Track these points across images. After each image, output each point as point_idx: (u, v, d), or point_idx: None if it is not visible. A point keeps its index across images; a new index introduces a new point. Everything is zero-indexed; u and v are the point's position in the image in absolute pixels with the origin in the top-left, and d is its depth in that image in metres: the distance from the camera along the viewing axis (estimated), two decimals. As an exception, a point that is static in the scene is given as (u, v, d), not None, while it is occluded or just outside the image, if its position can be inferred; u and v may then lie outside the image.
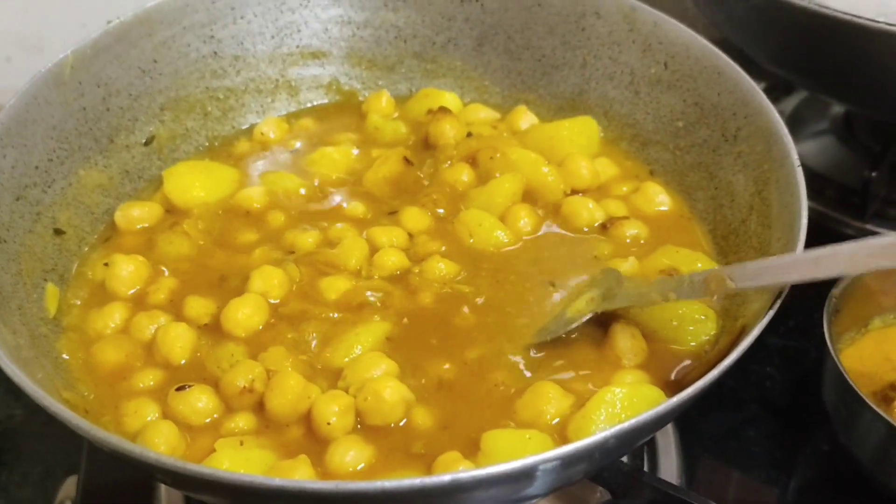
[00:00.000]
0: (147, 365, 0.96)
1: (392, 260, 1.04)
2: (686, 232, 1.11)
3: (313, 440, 0.89)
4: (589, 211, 1.10)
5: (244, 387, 0.91)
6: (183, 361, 0.96)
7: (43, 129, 1.07)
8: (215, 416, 0.91)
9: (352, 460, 0.86)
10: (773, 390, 1.21)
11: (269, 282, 1.01)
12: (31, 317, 0.97)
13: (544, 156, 1.14)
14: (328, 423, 0.88)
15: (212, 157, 1.23)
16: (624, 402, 0.87)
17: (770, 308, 0.84)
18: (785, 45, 1.31)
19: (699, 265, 1.02)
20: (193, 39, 1.22)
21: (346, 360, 0.94)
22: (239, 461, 0.85)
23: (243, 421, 0.90)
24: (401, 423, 0.90)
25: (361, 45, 1.31)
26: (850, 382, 1.00)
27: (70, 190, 1.10)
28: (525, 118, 1.23)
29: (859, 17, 1.14)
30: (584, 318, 0.96)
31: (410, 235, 1.08)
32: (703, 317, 0.97)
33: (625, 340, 0.95)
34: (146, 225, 1.12)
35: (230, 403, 0.92)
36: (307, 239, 1.07)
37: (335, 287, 1.01)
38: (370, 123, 1.25)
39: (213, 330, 0.99)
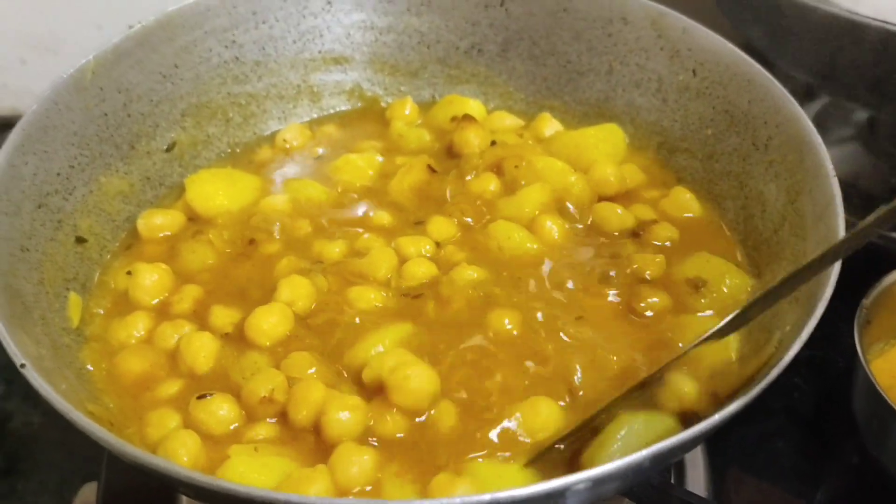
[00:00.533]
0: (171, 375, 0.96)
1: (422, 270, 1.03)
2: (717, 238, 1.10)
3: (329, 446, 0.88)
4: (619, 216, 1.09)
5: (264, 396, 0.90)
6: (207, 370, 0.95)
7: (64, 136, 1.06)
8: (237, 424, 0.90)
9: (358, 473, 0.85)
10: (800, 401, 1.19)
11: (297, 291, 1.00)
12: (54, 327, 0.96)
13: (570, 163, 1.13)
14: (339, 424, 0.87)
15: (234, 164, 1.23)
16: (640, 432, 0.86)
17: (810, 318, 0.83)
18: (811, 49, 1.29)
19: (727, 281, 1.01)
20: (215, 44, 1.21)
21: (371, 353, 0.93)
22: (254, 468, 0.84)
23: (264, 430, 0.89)
24: (423, 417, 0.89)
25: (384, 50, 1.30)
26: (883, 394, 0.99)
27: (91, 197, 1.09)
28: (549, 125, 1.22)
29: (888, 21, 1.13)
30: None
31: (437, 244, 1.07)
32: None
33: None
34: (169, 233, 1.11)
35: (251, 412, 0.91)
36: (334, 248, 1.06)
37: (364, 297, 1.00)
38: (394, 130, 1.24)
39: (238, 340, 0.98)
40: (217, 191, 1.14)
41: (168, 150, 1.18)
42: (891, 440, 1.02)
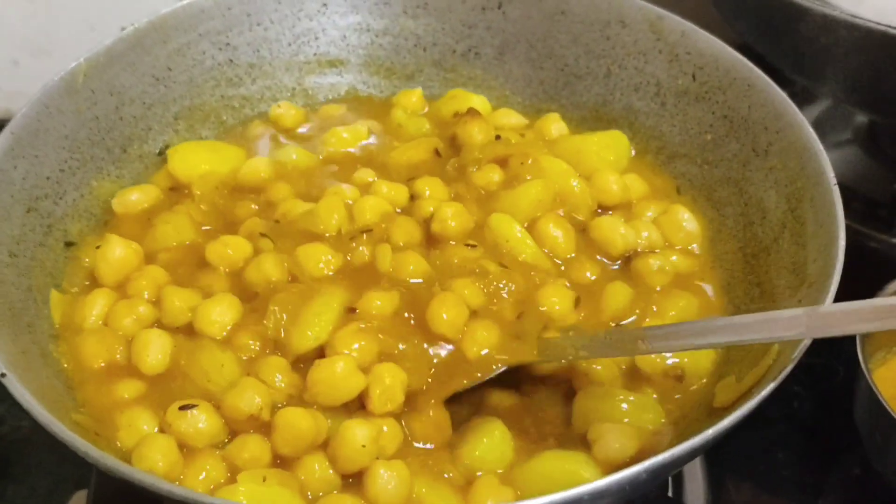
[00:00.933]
0: (130, 365, 0.93)
1: (371, 206, 1.02)
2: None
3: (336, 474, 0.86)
4: (622, 237, 1.05)
5: (251, 415, 0.87)
6: (162, 370, 0.93)
7: (55, 139, 1.05)
8: (222, 439, 0.88)
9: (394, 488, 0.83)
10: (800, 410, 1.18)
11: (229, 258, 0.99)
12: (42, 334, 0.95)
13: (571, 168, 1.11)
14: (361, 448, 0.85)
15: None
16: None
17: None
18: (809, 53, 1.28)
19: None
20: (209, 47, 1.20)
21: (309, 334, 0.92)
22: (261, 500, 0.82)
23: (252, 447, 0.87)
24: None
25: (380, 53, 1.29)
26: (887, 407, 0.97)
27: (82, 201, 1.08)
28: (556, 126, 1.20)
29: (889, 25, 1.12)
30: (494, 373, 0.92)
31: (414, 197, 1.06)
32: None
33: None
34: (145, 206, 1.09)
35: (234, 427, 0.88)
36: (297, 208, 1.04)
37: (312, 255, 0.98)
38: (394, 118, 1.22)
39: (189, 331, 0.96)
40: (200, 159, 1.13)
41: (160, 153, 1.17)
42: (893, 452, 1.00)
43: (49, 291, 0.99)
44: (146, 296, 0.98)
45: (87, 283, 1.02)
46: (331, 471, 0.86)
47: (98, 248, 1.02)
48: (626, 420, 0.90)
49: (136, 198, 1.10)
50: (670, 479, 1.07)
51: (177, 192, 1.11)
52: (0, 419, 1.20)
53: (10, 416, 1.21)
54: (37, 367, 0.89)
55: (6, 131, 0.99)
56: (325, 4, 1.26)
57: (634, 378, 0.96)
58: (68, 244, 1.05)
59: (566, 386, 0.95)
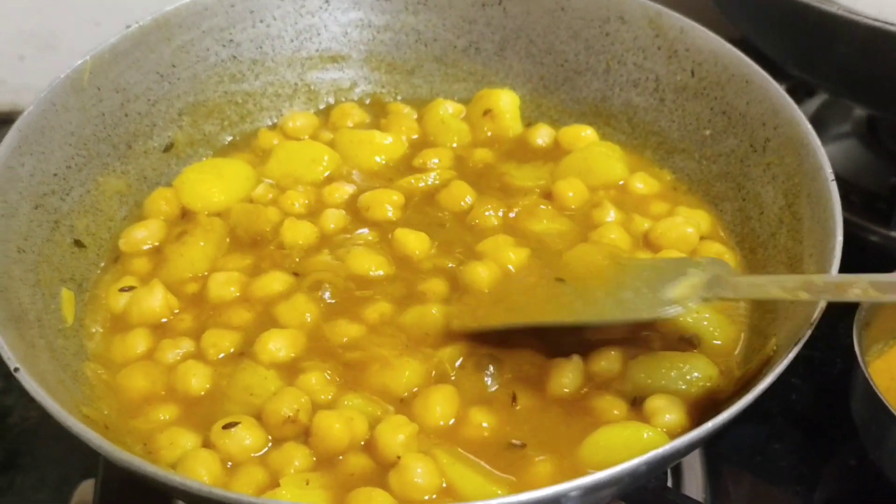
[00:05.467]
0: (170, 394, 0.95)
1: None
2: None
3: (377, 466, 0.87)
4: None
5: (288, 416, 0.88)
6: (203, 393, 0.94)
7: (61, 136, 1.06)
8: (263, 451, 0.89)
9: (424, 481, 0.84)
10: (798, 402, 1.19)
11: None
12: (50, 329, 0.96)
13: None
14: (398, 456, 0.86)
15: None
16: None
17: (808, 327, 0.83)
18: (808, 49, 1.29)
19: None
20: (212, 43, 1.21)
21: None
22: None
23: (293, 453, 0.88)
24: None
25: (381, 48, 1.30)
26: (882, 399, 0.98)
27: (88, 197, 1.09)
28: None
29: (888, 22, 1.13)
30: (684, 307, 0.88)
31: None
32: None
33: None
34: (154, 244, 1.09)
35: (275, 434, 0.89)
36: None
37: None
38: (434, 116, 1.24)
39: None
40: (210, 188, 1.13)
41: (166, 149, 1.18)
42: (889, 443, 1.01)
43: (56, 286, 1.00)
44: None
45: (110, 321, 1.03)
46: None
47: (121, 290, 1.03)
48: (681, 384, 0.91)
49: (143, 236, 1.10)
50: (669, 470, 1.08)
51: (186, 219, 1.11)
52: (8, 411, 1.21)
53: (18, 407, 1.22)
54: (45, 360, 0.91)
55: (13, 129, 1.00)
56: (326, 1, 1.26)
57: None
58: (76, 242, 1.06)
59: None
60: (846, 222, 1.36)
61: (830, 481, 1.14)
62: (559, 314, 0.93)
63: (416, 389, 0.92)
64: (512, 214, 1.10)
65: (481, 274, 1.00)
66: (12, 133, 1.00)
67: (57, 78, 1.06)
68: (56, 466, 1.16)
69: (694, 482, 1.08)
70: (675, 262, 0.98)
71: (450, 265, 1.04)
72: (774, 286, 0.88)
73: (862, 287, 0.82)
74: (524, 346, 0.95)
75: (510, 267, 1.02)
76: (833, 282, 0.84)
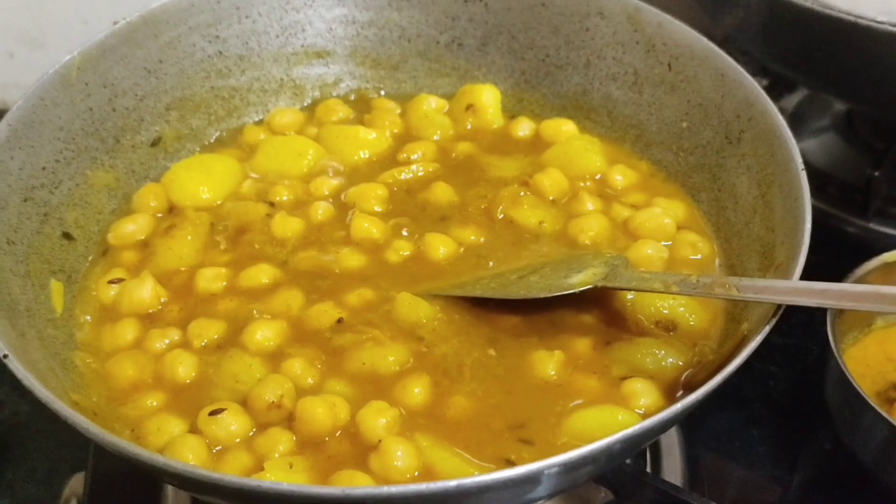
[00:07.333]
0: (158, 382, 0.96)
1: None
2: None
3: (358, 450, 0.89)
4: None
5: (273, 402, 0.90)
6: (189, 380, 0.96)
7: (50, 131, 1.07)
8: (249, 434, 0.90)
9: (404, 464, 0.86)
10: (775, 389, 1.21)
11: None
12: (39, 318, 0.98)
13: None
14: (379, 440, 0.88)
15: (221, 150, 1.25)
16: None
17: (773, 316, 0.84)
18: (787, 45, 1.31)
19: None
20: (199, 39, 1.22)
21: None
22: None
23: (277, 438, 0.89)
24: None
25: (366, 44, 1.31)
26: (853, 383, 1.00)
27: (77, 190, 1.10)
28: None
29: (863, 17, 1.15)
30: (581, 289, 0.96)
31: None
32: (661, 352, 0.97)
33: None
34: (142, 238, 1.11)
35: (260, 420, 0.91)
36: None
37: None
38: (417, 110, 1.25)
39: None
40: (198, 184, 1.15)
41: (153, 144, 1.20)
42: (862, 429, 1.03)
43: (46, 277, 1.02)
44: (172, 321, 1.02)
45: (99, 311, 1.04)
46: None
47: (110, 283, 1.05)
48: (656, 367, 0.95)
49: (132, 229, 1.11)
50: (648, 456, 1.10)
51: (174, 213, 1.13)
52: (-1, 403, 1.23)
53: (9, 400, 1.23)
54: (35, 349, 0.92)
55: (3, 123, 1.01)
56: (311, -3, 1.28)
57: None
58: (65, 234, 1.07)
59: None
60: (825, 214, 1.41)
61: (806, 465, 1.16)
62: (482, 290, 1.02)
63: (398, 371, 0.95)
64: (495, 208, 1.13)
65: (440, 250, 1.06)
66: (2, 128, 1.01)
67: (46, 73, 1.07)
68: (46, 460, 1.17)
69: (673, 467, 1.10)
70: (585, 256, 1.03)
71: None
72: (657, 280, 0.94)
73: (726, 287, 0.88)
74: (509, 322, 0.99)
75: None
76: (704, 281, 0.91)
